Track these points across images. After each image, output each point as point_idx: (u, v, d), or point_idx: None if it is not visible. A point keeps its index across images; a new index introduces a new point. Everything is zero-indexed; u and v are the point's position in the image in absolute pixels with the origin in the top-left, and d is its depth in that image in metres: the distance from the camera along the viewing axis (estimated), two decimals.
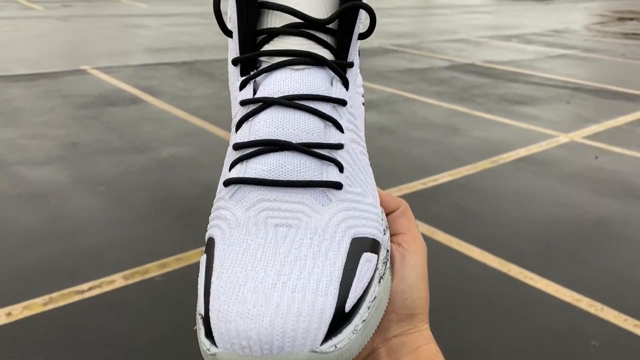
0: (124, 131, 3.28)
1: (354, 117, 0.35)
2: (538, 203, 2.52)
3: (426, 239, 2.13)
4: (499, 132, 3.54)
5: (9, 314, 1.63)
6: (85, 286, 1.77)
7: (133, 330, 1.58)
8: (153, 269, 1.88)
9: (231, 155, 0.33)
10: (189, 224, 2.20)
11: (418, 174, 2.78)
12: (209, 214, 0.34)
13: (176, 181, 2.60)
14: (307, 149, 0.31)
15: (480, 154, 3.10)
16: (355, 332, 0.29)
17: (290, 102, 0.32)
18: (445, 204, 2.47)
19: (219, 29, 0.35)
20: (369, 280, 0.30)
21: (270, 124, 0.32)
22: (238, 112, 0.34)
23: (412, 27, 9.16)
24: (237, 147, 0.32)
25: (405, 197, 2.51)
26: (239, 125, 0.33)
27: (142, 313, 1.66)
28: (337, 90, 0.33)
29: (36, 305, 1.67)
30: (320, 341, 0.27)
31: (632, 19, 10.99)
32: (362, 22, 0.34)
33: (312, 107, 0.32)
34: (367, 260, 0.31)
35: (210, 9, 10.80)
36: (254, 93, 0.33)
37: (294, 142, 0.31)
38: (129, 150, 2.97)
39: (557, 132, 3.56)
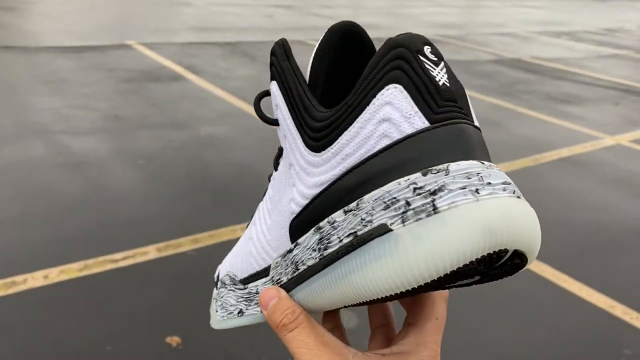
0: (165, 107, 3.33)
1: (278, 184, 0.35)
2: (577, 205, 2.46)
3: None
4: (542, 131, 3.45)
5: (46, 277, 1.68)
6: (119, 255, 1.81)
7: (162, 302, 1.61)
8: (186, 244, 1.91)
9: None
10: (222, 202, 2.22)
11: None
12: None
13: (213, 160, 2.62)
14: None
15: (521, 152, 3.03)
16: None
17: None
18: None
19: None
20: None
21: None
22: None
23: (459, 18, 8.98)
24: None
25: None
26: None
27: (173, 285, 1.69)
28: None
29: (72, 270, 1.72)
30: None
31: None
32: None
33: None
34: None
35: None
36: None
37: None
38: (169, 126, 3.02)
39: (603, 134, 3.45)
